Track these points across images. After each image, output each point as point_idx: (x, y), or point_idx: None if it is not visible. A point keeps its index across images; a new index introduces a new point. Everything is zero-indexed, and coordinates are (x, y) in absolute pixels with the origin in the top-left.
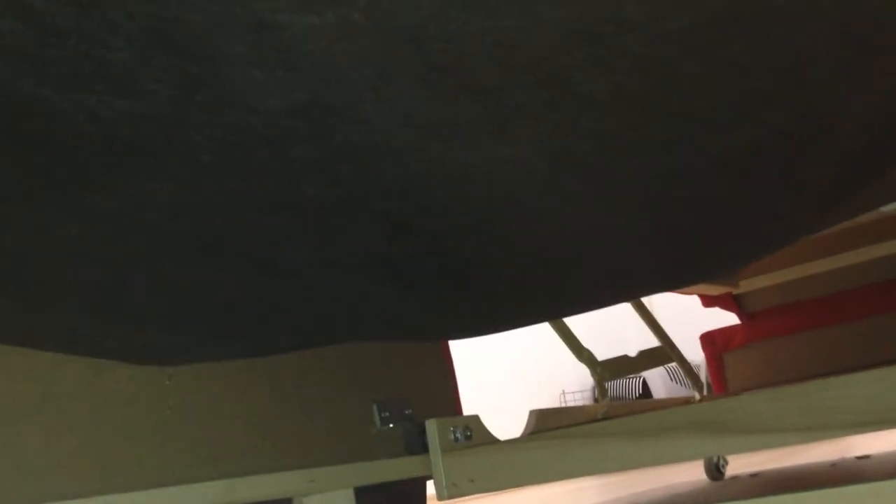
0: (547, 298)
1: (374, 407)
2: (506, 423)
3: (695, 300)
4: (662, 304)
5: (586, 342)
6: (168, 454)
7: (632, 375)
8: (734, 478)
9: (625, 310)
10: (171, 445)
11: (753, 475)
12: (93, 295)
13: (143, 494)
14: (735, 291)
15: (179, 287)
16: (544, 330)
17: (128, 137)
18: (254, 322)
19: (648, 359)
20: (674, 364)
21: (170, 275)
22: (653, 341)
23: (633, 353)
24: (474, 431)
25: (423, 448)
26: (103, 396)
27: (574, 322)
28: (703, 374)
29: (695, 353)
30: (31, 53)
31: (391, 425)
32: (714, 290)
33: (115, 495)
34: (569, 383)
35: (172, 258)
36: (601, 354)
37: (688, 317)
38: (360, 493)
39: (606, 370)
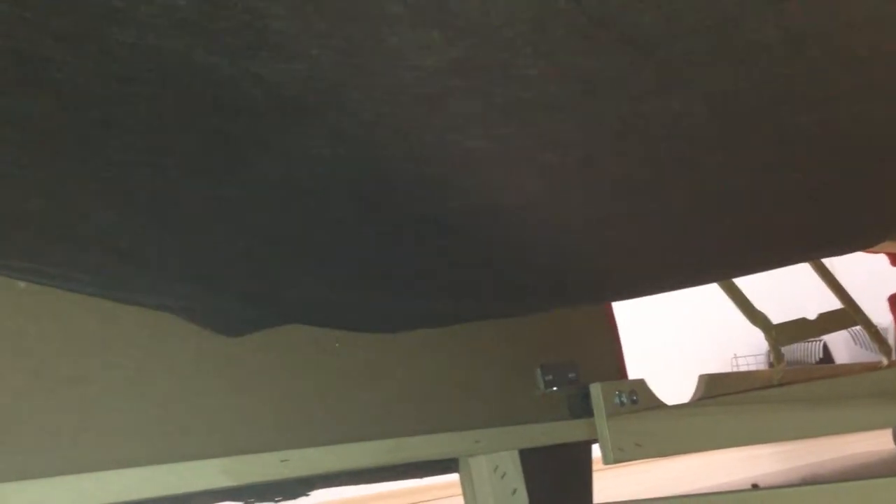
0: (717, 256)
1: (539, 370)
2: (674, 388)
3: (881, 259)
4: (845, 263)
5: (760, 304)
6: (339, 413)
7: (811, 339)
8: None
9: (803, 270)
10: (342, 405)
11: None
12: (258, 267)
13: (318, 450)
14: None
15: (344, 256)
16: (715, 291)
17: (292, 99)
18: (416, 288)
19: (829, 322)
20: (858, 327)
21: (332, 243)
22: (834, 303)
23: (812, 315)
24: (640, 396)
25: (588, 412)
26: (278, 357)
27: (746, 283)
28: (891, 338)
29: (882, 316)
30: (202, 25)
31: (555, 388)
32: None
33: (291, 451)
34: (741, 347)
35: (334, 221)
36: (777, 317)
37: (874, 277)
38: (526, 454)
39: (782, 334)
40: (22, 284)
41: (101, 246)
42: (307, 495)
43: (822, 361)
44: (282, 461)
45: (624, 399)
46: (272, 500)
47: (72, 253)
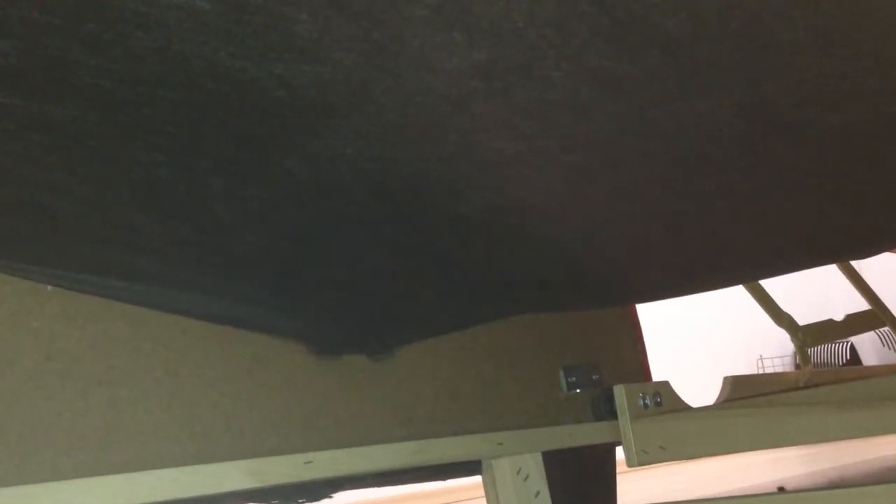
0: (742, 258)
1: (562, 372)
2: (699, 391)
3: None
4: (872, 263)
5: (786, 305)
6: (363, 415)
7: (838, 340)
8: None
9: (830, 271)
10: (365, 407)
11: None
12: (286, 272)
13: (341, 452)
14: None
15: (369, 256)
16: (740, 292)
17: (317, 101)
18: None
19: (856, 323)
20: (886, 328)
21: (357, 243)
22: (861, 304)
23: (839, 316)
24: (664, 398)
25: (611, 414)
26: (303, 359)
27: (772, 284)
28: None
29: None
30: (225, 28)
31: (578, 390)
32: None
33: (315, 452)
34: (767, 348)
35: (359, 221)
36: (803, 318)
37: None
38: (549, 457)
39: (809, 335)
40: (50, 288)
41: (129, 246)
42: (331, 497)
43: (849, 363)
44: (306, 463)
45: (648, 401)
46: (296, 502)
47: (102, 254)
